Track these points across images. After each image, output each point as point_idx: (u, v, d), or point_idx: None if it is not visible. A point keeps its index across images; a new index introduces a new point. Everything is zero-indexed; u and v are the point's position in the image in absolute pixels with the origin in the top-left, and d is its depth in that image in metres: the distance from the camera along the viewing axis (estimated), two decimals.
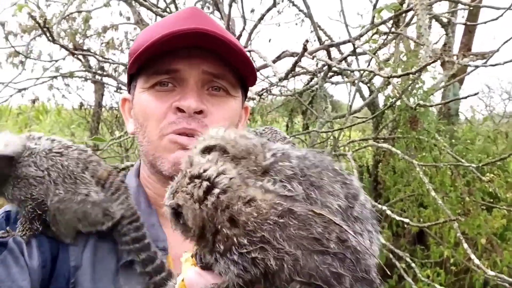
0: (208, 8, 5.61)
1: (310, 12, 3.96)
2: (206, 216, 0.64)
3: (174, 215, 0.70)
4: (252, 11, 3.71)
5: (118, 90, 4.61)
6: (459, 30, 6.55)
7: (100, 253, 1.15)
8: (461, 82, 6.33)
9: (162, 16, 3.73)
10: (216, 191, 0.65)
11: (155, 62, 1.20)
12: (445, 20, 5.05)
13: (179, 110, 1.18)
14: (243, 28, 3.66)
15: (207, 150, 0.75)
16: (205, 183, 0.67)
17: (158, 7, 3.79)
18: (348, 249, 0.62)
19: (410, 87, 3.52)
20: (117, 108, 5.80)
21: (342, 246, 0.61)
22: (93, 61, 5.65)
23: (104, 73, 5.64)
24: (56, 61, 4.69)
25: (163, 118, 1.19)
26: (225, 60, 1.22)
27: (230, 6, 3.87)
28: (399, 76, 2.86)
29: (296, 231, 0.60)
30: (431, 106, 3.42)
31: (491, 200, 4.08)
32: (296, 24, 5.06)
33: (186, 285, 0.75)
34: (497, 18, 2.76)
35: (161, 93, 1.21)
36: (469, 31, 6.46)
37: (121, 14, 5.64)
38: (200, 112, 1.18)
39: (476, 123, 6.79)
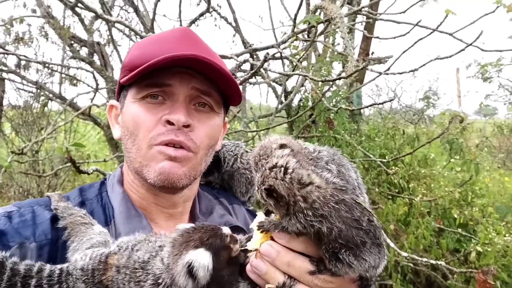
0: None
1: (235, 17, 4.11)
2: (289, 187, 0.95)
3: (268, 194, 0.97)
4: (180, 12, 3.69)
5: (39, 91, 4.26)
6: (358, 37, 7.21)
7: None
8: (360, 82, 6.99)
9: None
10: (289, 171, 0.96)
11: (148, 76, 1.27)
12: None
13: (169, 123, 1.27)
14: None
15: (282, 146, 1.08)
16: (282, 169, 0.97)
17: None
18: (372, 226, 0.96)
19: (328, 91, 3.85)
20: (22, 107, 5.34)
21: (370, 225, 0.96)
22: None
23: (6, 69, 5.19)
24: None
25: (152, 129, 1.28)
26: (212, 80, 1.33)
27: (155, 6, 3.86)
28: (333, 81, 3.14)
29: (344, 213, 0.94)
30: (353, 110, 3.79)
31: (396, 190, 4.64)
32: (216, 25, 5.14)
33: (262, 253, 1.01)
34: (405, 34, 3.17)
35: (152, 105, 1.29)
36: (367, 38, 7.13)
37: (25, 6, 5.21)
38: (188, 126, 1.29)
39: (373, 120, 7.53)
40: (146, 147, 1.28)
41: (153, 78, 1.26)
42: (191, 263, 0.94)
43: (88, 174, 2.19)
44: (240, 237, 1.10)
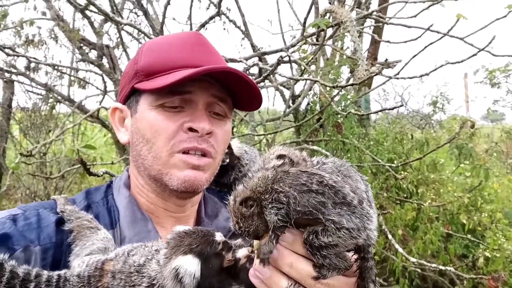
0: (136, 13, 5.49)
1: (244, 21, 4.12)
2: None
3: (243, 203, 0.98)
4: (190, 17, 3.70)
5: (47, 93, 4.27)
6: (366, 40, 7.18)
7: None
8: (368, 86, 6.95)
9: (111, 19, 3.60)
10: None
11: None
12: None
13: (191, 130, 1.28)
14: None
15: (280, 157, 1.06)
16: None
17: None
18: (325, 186, 0.93)
19: (337, 95, 3.85)
20: (30, 109, 5.38)
21: (321, 185, 0.93)
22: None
23: (16, 71, 5.23)
24: None
25: (173, 136, 1.28)
26: (227, 86, 1.35)
27: (165, 10, 3.87)
28: (344, 87, 3.14)
29: (290, 181, 0.93)
30: (363, 115, 3.79)
31: (405, 195, 4.62)
32: (224, 29, 5.16)
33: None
34: (416, 39, 3.15)
35: (171, 113, 1.29)
36: (375, 42, 7.10)
37: (35, 8, 5.25)
38: (210, 133, 1.30)
39: (380, 124, 7.51)
40: (166, 154, 1.28)
41: (174, 85, 1.25)
42: (177, 269, 0.94)
43: (98, 176, 2.20)
44: (238, 241, 1.09)
